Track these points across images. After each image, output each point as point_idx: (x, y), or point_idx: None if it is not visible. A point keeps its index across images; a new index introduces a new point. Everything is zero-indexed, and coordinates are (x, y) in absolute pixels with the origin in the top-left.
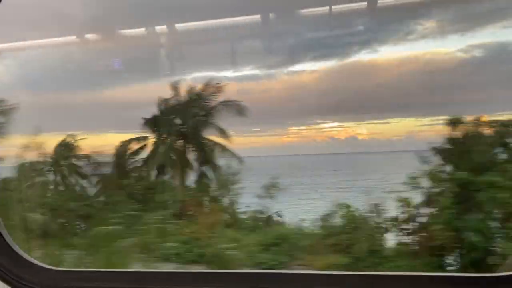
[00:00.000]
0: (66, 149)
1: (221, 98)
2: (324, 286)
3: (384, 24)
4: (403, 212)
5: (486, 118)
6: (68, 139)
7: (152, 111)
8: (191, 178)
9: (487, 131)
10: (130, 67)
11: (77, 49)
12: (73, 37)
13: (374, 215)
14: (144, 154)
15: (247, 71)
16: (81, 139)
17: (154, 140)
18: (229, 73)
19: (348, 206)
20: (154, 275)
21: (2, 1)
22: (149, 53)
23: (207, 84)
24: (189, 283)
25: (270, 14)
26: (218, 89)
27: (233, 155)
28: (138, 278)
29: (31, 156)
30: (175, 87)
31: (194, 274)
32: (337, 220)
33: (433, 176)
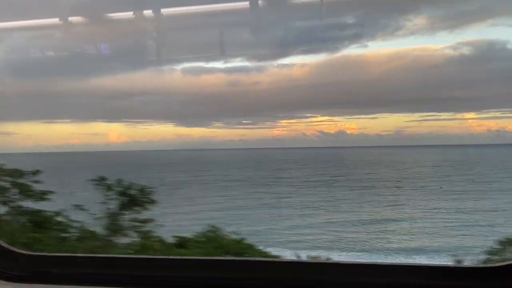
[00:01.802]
0: None
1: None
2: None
3: (373, 19)
4: None
5: None
6: None
7: (139, 100)
8: None
9: None
10: (117, 55)
11: (63, 34)
12: (59, 21)
13: None
14: None
15: (237, 62)
16: None
17: None
18: (219, 64)
19: None
20: (130, 261)
21: None
22: (136, 41)
23: None
24: (171, 268)
25: (260, 2)
26: None
27: None
28: (115, 263)
29: None
30: None
31: (176, 261)
32: None
33: None
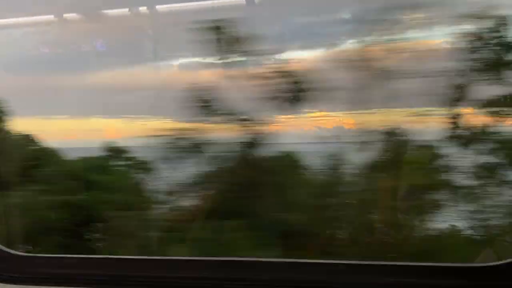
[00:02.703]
0: None
1: None
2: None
3: (371, 14)
4: None
5: None
6: None
7: (138, 96)
8: None
9: None
10: (114, 50)
11: (59, 30)
12: (55, 18)
13: None
14: None
15: (234, 58)
16: None
17: None
18: (214, 59)
19: None
20: (131, 262)
21: None
22: (134, 36)
23: None
24: (170, 269)
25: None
26: None
27: None
28: (114, 265)
29: None
30: None
31: (173, 262)
32: None
33: None
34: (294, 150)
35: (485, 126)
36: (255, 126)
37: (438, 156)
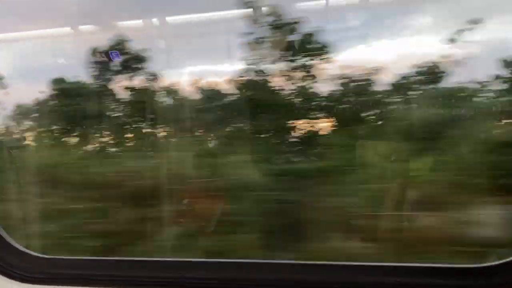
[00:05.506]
0: None
1: None
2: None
3: (378, 19)
4: None
5: None
6: None
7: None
8: None
9: None
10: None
11: (73, 41)
12: (68, 29)
13: None
14: None
15: (242, 65)
16: None
17: None
18: (225, 67)
19: None
20: (143, 263)
21: None
22: (144, 45)
23: None
24: (180, 270)
25: (264, 8)
26: None
27: None
28: (129, 266)
29: None
30: None
31: (185, 263)
32: None
33: None
34: None
35: None
36: None
37: None
